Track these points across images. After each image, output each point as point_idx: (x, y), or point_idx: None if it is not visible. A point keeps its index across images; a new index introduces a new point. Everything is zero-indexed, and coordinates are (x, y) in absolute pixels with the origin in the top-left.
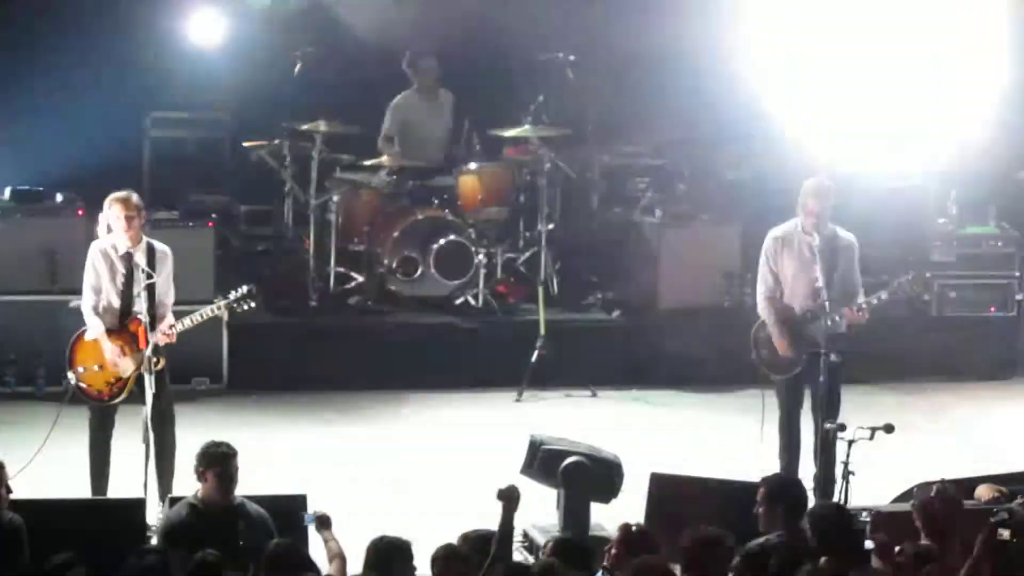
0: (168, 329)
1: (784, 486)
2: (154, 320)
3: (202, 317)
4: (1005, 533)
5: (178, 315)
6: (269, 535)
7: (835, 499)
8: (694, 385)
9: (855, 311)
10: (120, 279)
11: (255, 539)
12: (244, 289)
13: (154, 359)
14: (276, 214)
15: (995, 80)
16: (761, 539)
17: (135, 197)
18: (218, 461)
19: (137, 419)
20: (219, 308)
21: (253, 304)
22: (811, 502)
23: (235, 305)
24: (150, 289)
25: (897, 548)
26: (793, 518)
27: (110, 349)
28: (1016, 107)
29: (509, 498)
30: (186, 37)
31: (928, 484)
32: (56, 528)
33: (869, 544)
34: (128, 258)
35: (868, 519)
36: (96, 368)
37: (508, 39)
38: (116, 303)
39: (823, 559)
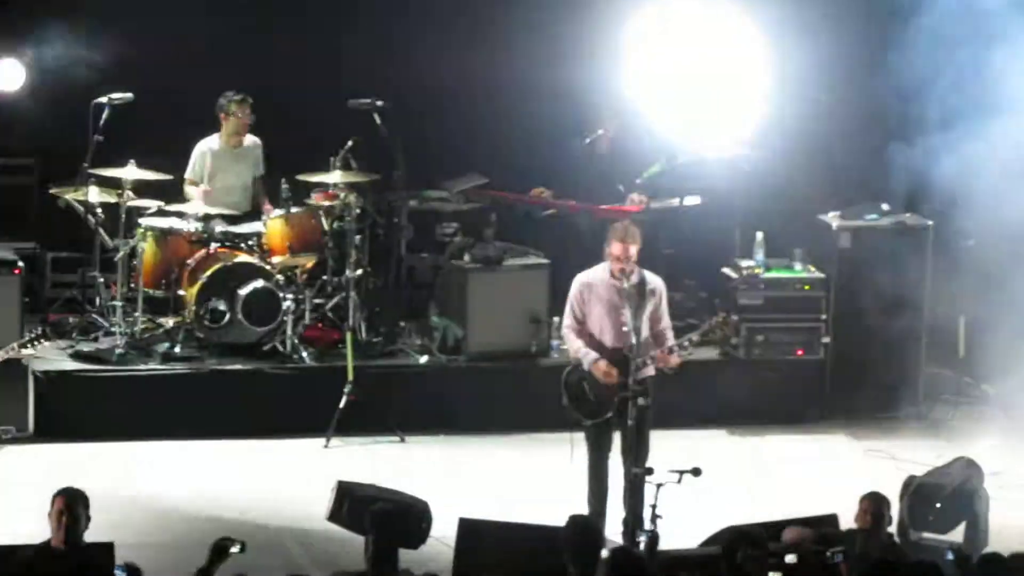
0: None
1: (578, 531)
2: None
3: None
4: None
5: None
6: None
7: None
8: (502, 430)
9: (663, 355)
10: None
11: None
12: (38, 330)
13: None
14: (83, 261)
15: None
16: None
17: None
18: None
19: None
20: (12, 349)
21: (46, 343)
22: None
23: (28, 345)
24: None
25: None
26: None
27: None
28: (819, 148)
29: (218, 551)
30: None
31: (735, 527)
32: None
33: None
34: None
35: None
36: None
37: (316, 84)
38: None
39: None
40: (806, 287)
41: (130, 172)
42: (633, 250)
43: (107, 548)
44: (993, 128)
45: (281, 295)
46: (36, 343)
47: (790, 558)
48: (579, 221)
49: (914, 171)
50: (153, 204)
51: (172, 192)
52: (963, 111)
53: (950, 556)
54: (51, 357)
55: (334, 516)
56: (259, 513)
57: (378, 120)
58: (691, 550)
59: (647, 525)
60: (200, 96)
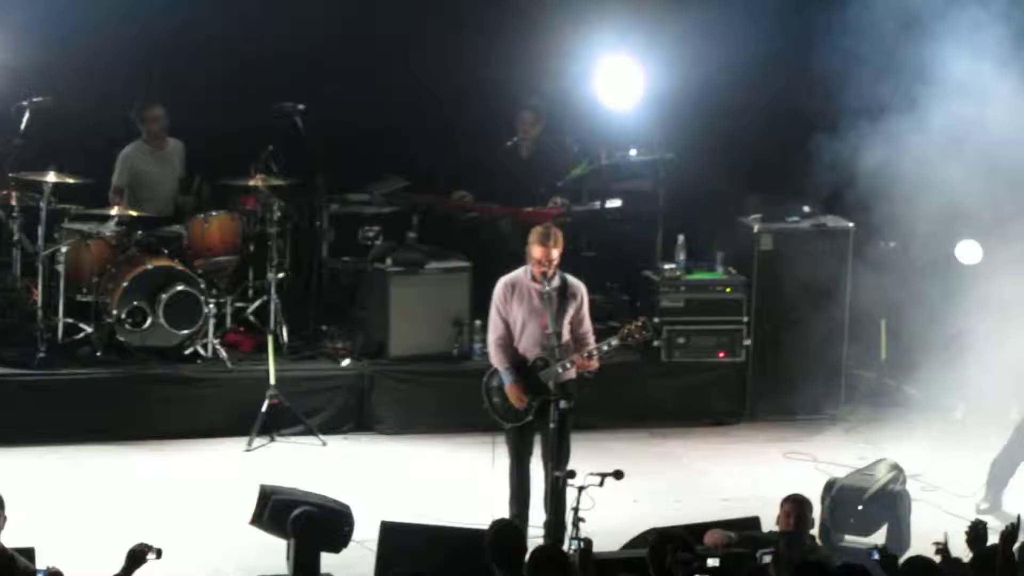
0: None
1: (502, 534)
2: None
3: None
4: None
5: None
6: None
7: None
8: (425, 432)
9: (585, 358)
10: None
11: None
12: None
13: None
14: (4, 265)
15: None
16: None
17: None
18: None
19: None
20: None
21: None
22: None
23: None
24: None
25: None
26: (513, 565)
27: None
28: (740, 149)
29: (134, 557)
30: None
31: (659, 529)
32: None
33: None
34: None
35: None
36: None
37: (238, 87)
38: None
39: None
40: (727, 289)
41: (51, 176)
42: (555, 253)
43: (28, 552)
44: (916, 130)
45: (203, 299)
46: None
47: (712, 562)
48: (501, 224)
49: (836, 172)
50: (74, 208)
51: (93, 197)
52: (886, 111)
53: (875, 556)
54: None
55: (256, 520)
56: (180, 517)
57: (299, 123)
58: (616, 553)
59: (569, 528)
60: (122, 100)
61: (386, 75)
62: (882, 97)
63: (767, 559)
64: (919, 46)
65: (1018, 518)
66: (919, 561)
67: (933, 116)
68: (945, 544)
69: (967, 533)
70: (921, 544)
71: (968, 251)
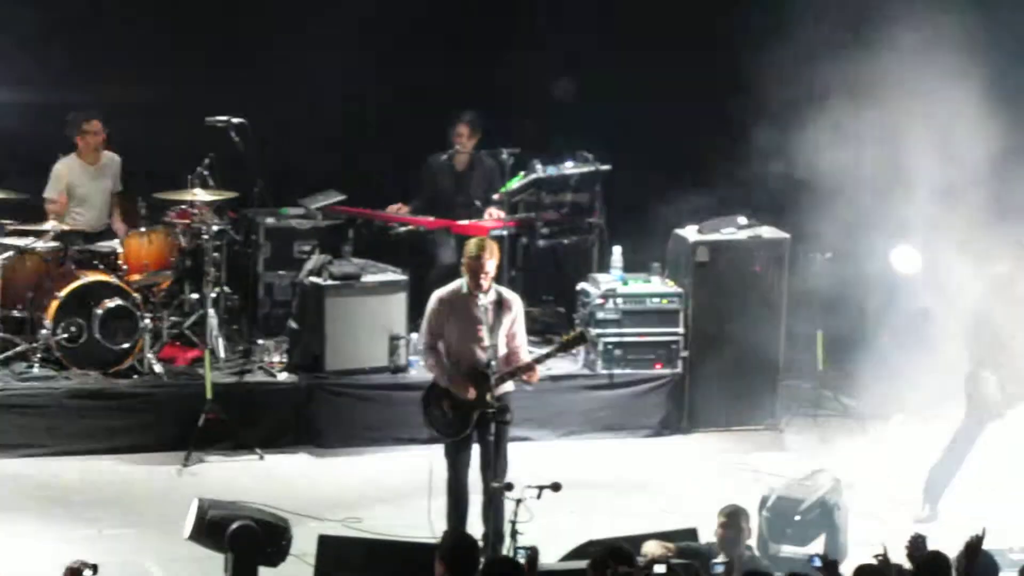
0: None
1: (458, 544)
2: None
3: None
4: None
5: None
6: None
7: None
8: (362, 445)
9: (522, 370)
10: None
11: None
12: None
13: None
14: None
15: None
16: None
17: None
18: None
19: None
20: None
21: None
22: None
23: None
24: None
25: None
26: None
27: None
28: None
29: (71, 574)
30: None
31: (597, 542)
32: None
33: None
34: None
35: None
36: None
37: (174, 100)
38: None
39: None
40: (664, 301)
41: None
42: (491, 266)
43: None
44: (852, 140)
45: (139, 313)
46: None
47: (659, 568)
48: (437, 237)
49: (772, 184)
50: (8, 223)
51: (28, 212)
52: (822, 122)
53: (816, 563)
54: None
55: (194, 534)
56: (117, 532)
57: (235, 137)
58: (555, 565)
59: (507, 541)
60: (59, 113)
61: (322, 87)
62: (819, 108)
63: (718, 569)
64: (857, 55)
65: (983, 530)
66: (868, 569)
67: (868, 126)
68: (885, 554)
69: (907, 547)
70: (859, 554)
71: (904, 258)
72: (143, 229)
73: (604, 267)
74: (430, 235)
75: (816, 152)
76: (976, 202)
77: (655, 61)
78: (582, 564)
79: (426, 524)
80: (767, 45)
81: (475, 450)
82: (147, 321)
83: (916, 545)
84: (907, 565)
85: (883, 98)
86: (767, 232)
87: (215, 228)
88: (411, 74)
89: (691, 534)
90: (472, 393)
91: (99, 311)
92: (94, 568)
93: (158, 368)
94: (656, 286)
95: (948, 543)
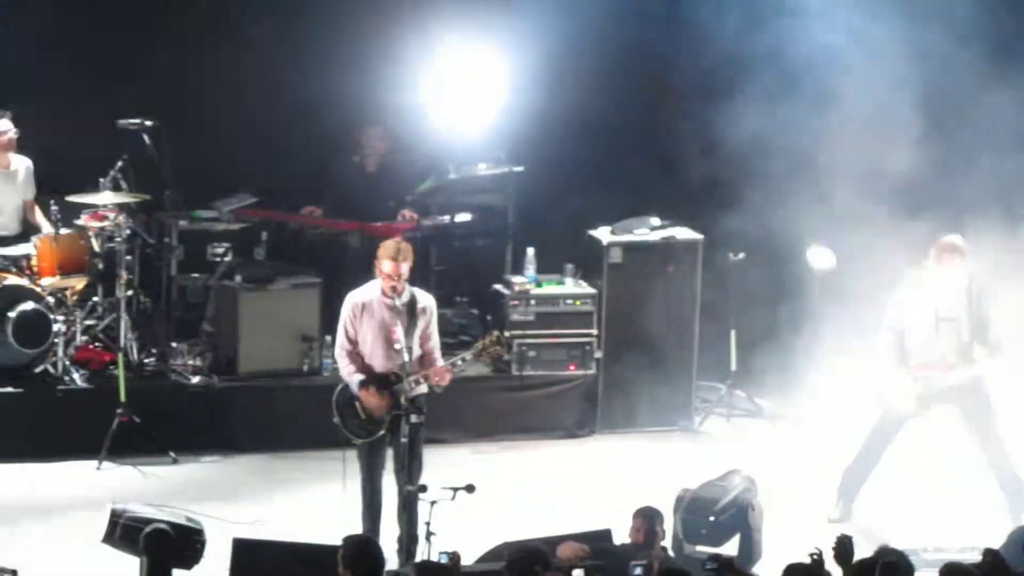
0: None
1: (359, 548)
2: None
3: None
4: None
5: None
6: None
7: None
8: (276, 449)
9: (436, 372)
10: None
11: None
12: None
13: None
14: None
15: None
16: None
17: None
18: None
19: None
20: None
21: None
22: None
23: None
24: None
25: None
26: None
27: None
28: (590, 161)
29: None
30: None
31: (512, 544)
32: None
33: None
34: None
35: None
36: None
37: (86, 103)
38: None
39: None
40: (577, 302)
41: None
42: (404, 268)
43: None
44: (764, 141)
45: (51, 317)
46: None
47: (577, 573)
48: (350, 239)
49: (686, 185)
50: None
51: None
52: (737, 123)
53: (711, 565)
54: None
55: (108, 538)
56: (32, 536)
57: (147, 140)
58: (469, 567)
59: (422, 543)
60: None
61: (234, 90)
62: (732, 110)
63: (638, 571)
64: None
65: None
66: (799, 568)
67: (781, 127)
68: (820, 554)
69: (834, 548)
70: (772, 554)
71: (819, 256)
72: (56, 232)
73: (517, 269)
74: (343, 237)
75: (729, 151)
76: (893, 200)
77: (568, 63)
78: (498, 566)
79: (340, 527)
80: (682, 40)
81: (389, 452)
82: (60, 324)
83: (843, 546)
84: (836, 568)
85: (790, 95)
86: (680, 233)
87: (127, 231)
88: (325, 78)
89: (606, 535)
90: (384, 399)
91: (11, 315)
92: (13, 573)
93: (71, 371)
94: (569, 287)
95: (860, 544)
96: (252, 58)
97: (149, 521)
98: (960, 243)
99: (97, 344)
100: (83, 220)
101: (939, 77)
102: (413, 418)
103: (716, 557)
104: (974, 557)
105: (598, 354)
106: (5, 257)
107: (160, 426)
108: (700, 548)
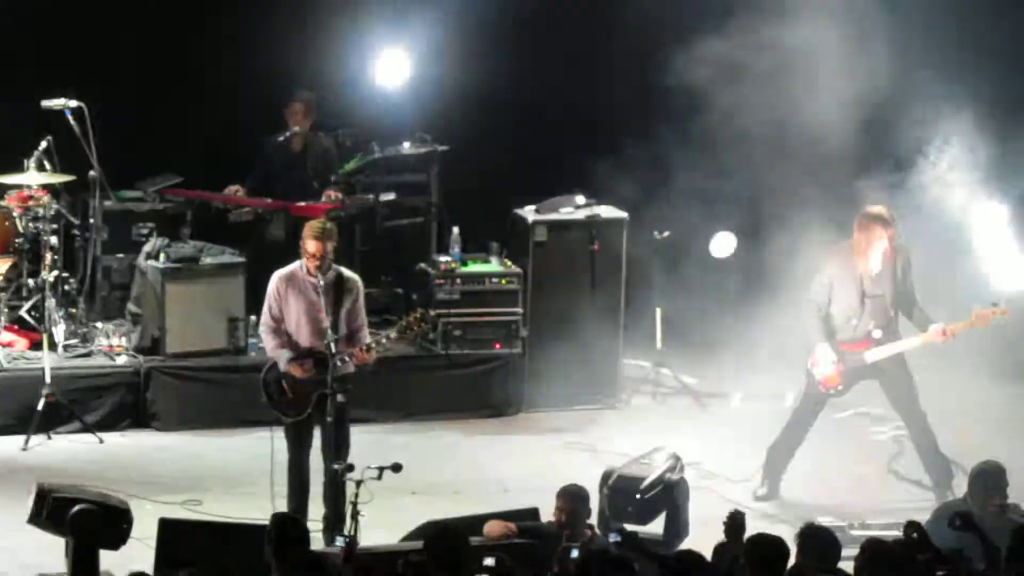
0: None
1: (286, 526)
2: None
3: None
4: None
5: None
6: None
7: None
8: (203, 428)
9: (362, 351)
10: None
11: None
12: None
13: None
14: None
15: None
16: None
17: None
18: None
19: None
20: None
21: None
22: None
23: None
24: None
25: None
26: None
27: None
28: (516, 140)
29: None
30: None
31: (438, 523)
32: None
33: None
34: None
35: None
36: None
37: (9, 82)
38: None
39: None
40: (503, 281)
41: None
42: (329, 247)
43: None
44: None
45: None
46: None
47: (488, 561)
48: (274, 219)
49: (611, 163)
50: None
51: None
52: (662, 99)
53: (616, 538)
54: None
55: (34, 518)
56: None
57: (71, 120)
58: (393, 545)
59: (348, 522)
60: None
61: (159, 68)
62: (660, 88)
63: (574, 553)
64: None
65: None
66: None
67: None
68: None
69: (725, 523)
70: (698, 532)
71: (721, 244)
72: None
73: (443, 248)
74: (268, 217)
75: (654, 129)
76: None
77: (492, 41)
78: (416, 544)
79: (267, 506)
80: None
81: (317, 431)
82: None
83: (734, 521)
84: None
85: (728, 74)
86: (605, 211)
87: (52, 211)
88: (248, 55)
89: (533, 514)
90: (310, 373)
91: None
92: None
93: None
94: (495, 266)
95: (787, 521)
96: (178, 36)
97: (75, 501)
98: (885, 213)
99: (22, 325)
100: (7, 201)
101: None
102: (339, 397)
103: (620, 530)
104: (898, 534)
105: (524, 332)
106: None
107: (86, 406)
108: (626, 526)
